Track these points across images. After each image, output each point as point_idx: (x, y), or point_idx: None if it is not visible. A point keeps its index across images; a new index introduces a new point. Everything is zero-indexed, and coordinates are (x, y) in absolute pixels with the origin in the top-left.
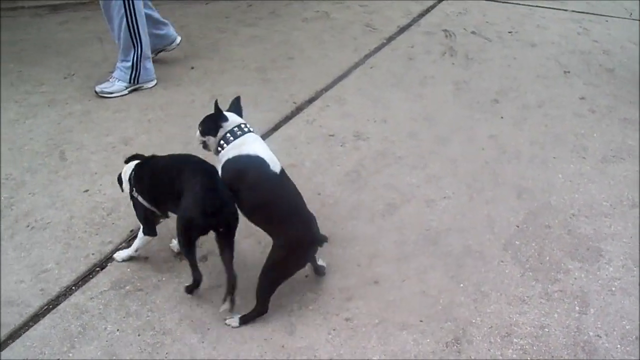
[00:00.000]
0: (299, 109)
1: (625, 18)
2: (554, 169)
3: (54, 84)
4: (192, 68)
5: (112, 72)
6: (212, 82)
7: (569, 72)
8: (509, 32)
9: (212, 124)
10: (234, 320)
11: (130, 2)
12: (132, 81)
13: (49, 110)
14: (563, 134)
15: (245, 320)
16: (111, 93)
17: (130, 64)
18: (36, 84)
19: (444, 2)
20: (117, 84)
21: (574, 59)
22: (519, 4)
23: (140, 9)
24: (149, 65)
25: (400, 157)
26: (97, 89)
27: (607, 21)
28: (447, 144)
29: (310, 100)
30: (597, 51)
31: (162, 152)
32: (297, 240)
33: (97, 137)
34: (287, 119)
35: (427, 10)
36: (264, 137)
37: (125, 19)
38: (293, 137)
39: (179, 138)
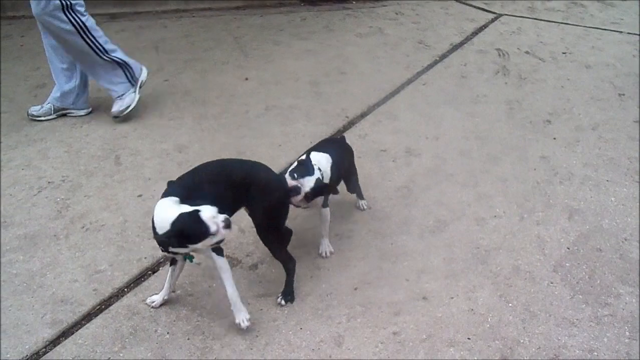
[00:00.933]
0: (351, 123)
1: None
2: (606, 192)
3: None
4: (246, 79)
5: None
6: (265, 94)
7: (623, 94)
8: (563, 53)
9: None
10: (364, 203)
11: (87, 31)
12: (131, 81)
13: (105, 115)
14: (617, 157)
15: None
16: (129, 106)
17: (122, 76)
18: (93, 89)
19: (497, 21)
20: (126, 97)
21: (629, 82)
22: (574, 25)
23: (93, 26)
24: (126, 57)
25: (451, 175)
26: (115, 111)
27: None
28: (499, 163)
29: (363, 115)
30: None
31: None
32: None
33: (151, 144)
34: (339, 132)
35: (481, 29)
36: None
37: (90, 49)
38: None
39: (231, 148)
